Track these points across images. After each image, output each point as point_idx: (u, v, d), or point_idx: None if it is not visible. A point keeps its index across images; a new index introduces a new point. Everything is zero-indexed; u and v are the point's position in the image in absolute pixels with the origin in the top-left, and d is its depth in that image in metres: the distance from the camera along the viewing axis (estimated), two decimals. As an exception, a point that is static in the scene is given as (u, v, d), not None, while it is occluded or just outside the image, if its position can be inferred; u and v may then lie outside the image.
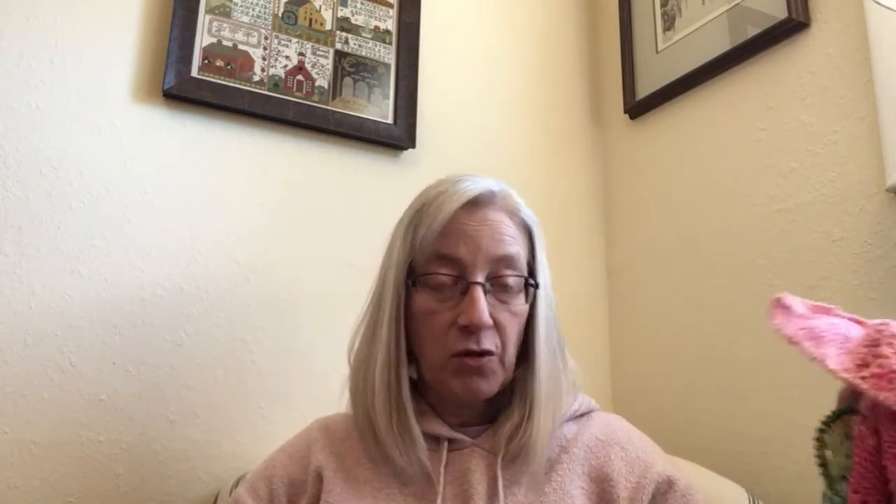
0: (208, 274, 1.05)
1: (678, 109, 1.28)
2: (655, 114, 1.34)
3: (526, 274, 0.75)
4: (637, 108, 1.36)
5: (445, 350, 0.72)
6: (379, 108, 1.22)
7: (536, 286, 0.76)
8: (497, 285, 0.73)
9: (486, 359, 0.71)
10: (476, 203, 0.75)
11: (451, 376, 0.72)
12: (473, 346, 0.70)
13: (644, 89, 1.34)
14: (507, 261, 0.73)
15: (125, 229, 1.02)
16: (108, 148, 1.03)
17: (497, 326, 0.72)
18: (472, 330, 0.70)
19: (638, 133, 1.38)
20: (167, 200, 1.05)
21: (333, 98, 1.19)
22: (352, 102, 1.20)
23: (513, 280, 0.74)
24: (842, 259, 0.96)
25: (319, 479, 0.74)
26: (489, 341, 0.71)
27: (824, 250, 0.99)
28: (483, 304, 0.71)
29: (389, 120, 1.22)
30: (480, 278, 0.72)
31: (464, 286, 0.72)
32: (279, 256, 1.11)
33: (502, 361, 0.73)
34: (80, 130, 1.02)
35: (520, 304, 0.74)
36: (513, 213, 0.77)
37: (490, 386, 0.72)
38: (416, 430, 0.72)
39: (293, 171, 1.15)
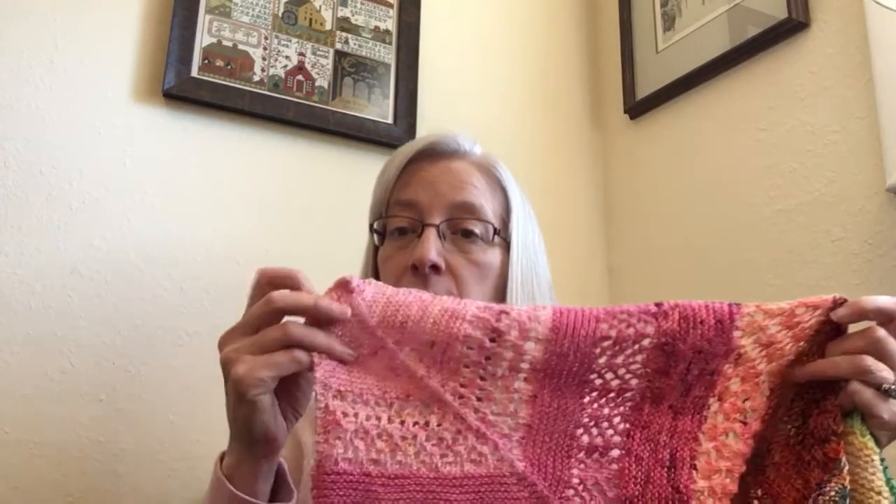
0: (208, 274, 1.05)
1: (678, 109, 1.28)
2: (655, 114, 1.34)
3: (494, 224, 0.72)
4: (637, 108, 1.36)
5: None
6: (379, 108, 1.22)
7: (504, 238, 0.73)
8: (456, 231, 0.72)
9: None
10: (438, 152, 0.74)
11: None
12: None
13: (644, 89, 1.34)
14: (467, 207, 0.72)
15: (125, 229, 1.02)
16: (108, 148, 1.03)
17: (451, 272, 0.70)
18: (420, 271, 0.69)
19: (638, 133, 1.38)
20: (167, 200, 1.05)
21: (333, 98, 1.19)
22: (352, 102, 1.20)
23: (476, 228, 0.72)
24: (842, 259, 0.96)
25: (300, 451, 0.74)
26: (439, 286, 0.69)
27: (824, 250, 0.99)
28: (431, 243, 0.69)
29: (389, 120, 1.22)
30: (436, 221, 0.71)
31: (421, 230, 0.71)
32: (279, 256, 1.11)
33: None
34: (80, 130, 1.01)
35: (482, 254, 0.72)
36: (483, 168, 0.75)
37: None
38: None
39: (293, 171, 1.15)
